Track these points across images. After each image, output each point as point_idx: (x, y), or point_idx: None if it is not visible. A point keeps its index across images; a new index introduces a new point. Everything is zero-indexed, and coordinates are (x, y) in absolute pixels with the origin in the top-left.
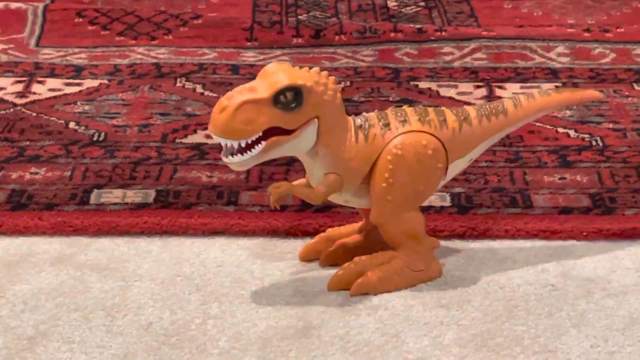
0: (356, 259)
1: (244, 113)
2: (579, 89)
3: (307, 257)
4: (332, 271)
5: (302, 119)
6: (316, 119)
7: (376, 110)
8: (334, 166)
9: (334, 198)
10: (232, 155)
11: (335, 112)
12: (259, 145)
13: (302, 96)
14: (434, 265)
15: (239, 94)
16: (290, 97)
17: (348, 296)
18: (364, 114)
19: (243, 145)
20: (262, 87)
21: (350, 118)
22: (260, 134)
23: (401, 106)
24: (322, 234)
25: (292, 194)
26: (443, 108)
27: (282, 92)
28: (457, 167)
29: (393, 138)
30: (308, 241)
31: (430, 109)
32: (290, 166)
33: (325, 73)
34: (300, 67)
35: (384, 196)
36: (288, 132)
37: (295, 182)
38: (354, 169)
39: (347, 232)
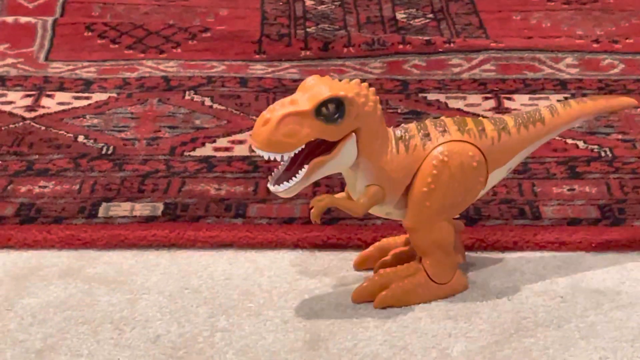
0: (381, 271)
1: (286, 126)
2: (614, 96)
3: (362, 267)
4: (340, 283)
5: (344, 131)
6: (354, 134)
7: (415, 122)
8: (375, 178)
9: (375, 210)
10: (278, 184)
11: (376, 123)
12: (303, 169)
13: (344, 107)
14: (459, 279)
15: (281, 107)
16: (332, 109)
17: (373, 307)
18: (403, 125)
19: (286, 158)
20: (304, 99)
21: (390, 129)
22: (303, 146)
23: (439, 117)
24: (376, 244)
25: (334, 207)
26: (481, 118)
27: (324, 103)
28: (496, 176)
29: (434, 148)
30: (363, 251)
31: (468, 119)
32: None
33: (365, 85)
34: (340, 80)
35: (423, 201)
36: (328, 147)
37: (336, 195)
38: (396, 180)
39: (401, 242)
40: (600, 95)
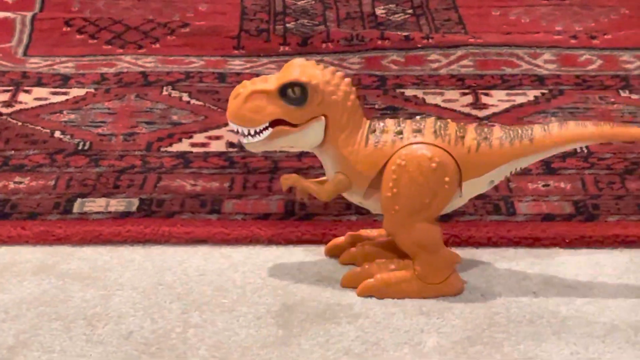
0: (377, 260)
1: (253, 102)
2: (620, 125)
3: (331, 253)
4: (314, 279)
5: (307, 115)
6: (323, 117)
7: (400, 118)
8: (340, 166)
9: (350, 198)
10: (244, 136)
11: (345, 113)
12: (267, 131)
13: (308, 93)
14: (452, 281)
15: (252, 84)
16: (297, 92)
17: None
18: (387, 120)
19: (252, 132)
20: (274, 79)
21: (368, 121)
22: (267, 124)
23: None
24: (352, 233)
25: (299, 186)
26: (468, 125)
27: (288, 86)
28: (473, 186)
29: (402, 147)
30: (337, 238)
31: (453, 124)
32: (275, 174)
33: (340, 74)
34: (325, 67)
35: (392, 205)
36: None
37: (315, 180)
38: (359, 172)
39: (377, 235)
40: (606, 123)
